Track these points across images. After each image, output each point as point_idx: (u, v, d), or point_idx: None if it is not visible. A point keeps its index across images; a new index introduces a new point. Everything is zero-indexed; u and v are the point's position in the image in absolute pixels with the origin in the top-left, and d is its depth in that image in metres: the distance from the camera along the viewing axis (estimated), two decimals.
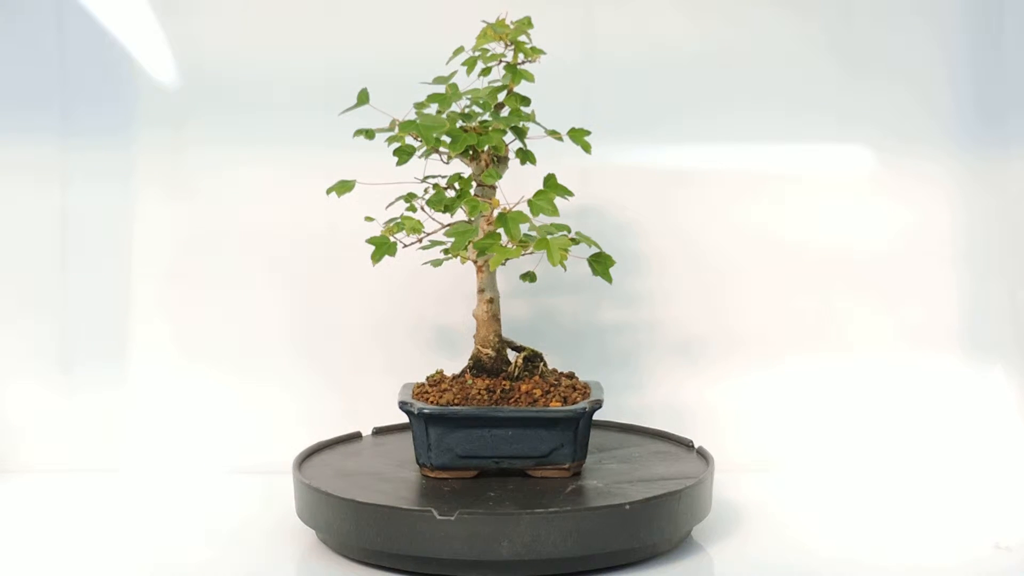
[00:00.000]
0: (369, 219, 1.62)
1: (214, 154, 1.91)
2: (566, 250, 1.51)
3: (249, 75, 1.91)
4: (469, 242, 1.55)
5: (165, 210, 1.91)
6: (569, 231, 1.56)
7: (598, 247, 1.58)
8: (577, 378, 1.66)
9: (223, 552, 1.56)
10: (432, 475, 1.57)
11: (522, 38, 1.60)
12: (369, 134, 1.58)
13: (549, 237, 1.52)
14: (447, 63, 1.62)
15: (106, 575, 1.51)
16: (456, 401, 1.57)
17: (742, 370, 1.92)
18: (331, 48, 1.90)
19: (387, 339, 1.92)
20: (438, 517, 1.42)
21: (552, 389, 1.60)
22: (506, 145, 1.60)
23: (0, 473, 1.86)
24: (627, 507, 1.45)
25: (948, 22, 1.91)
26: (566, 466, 1.57)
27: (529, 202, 1.56)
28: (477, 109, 1.59)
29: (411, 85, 1.61)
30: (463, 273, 1.74)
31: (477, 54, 1.61)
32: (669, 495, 1.48)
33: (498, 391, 1.58)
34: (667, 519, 1.48)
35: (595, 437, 1.66)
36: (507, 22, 1.60)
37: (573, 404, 1.57)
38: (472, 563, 1.43)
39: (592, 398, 1.58)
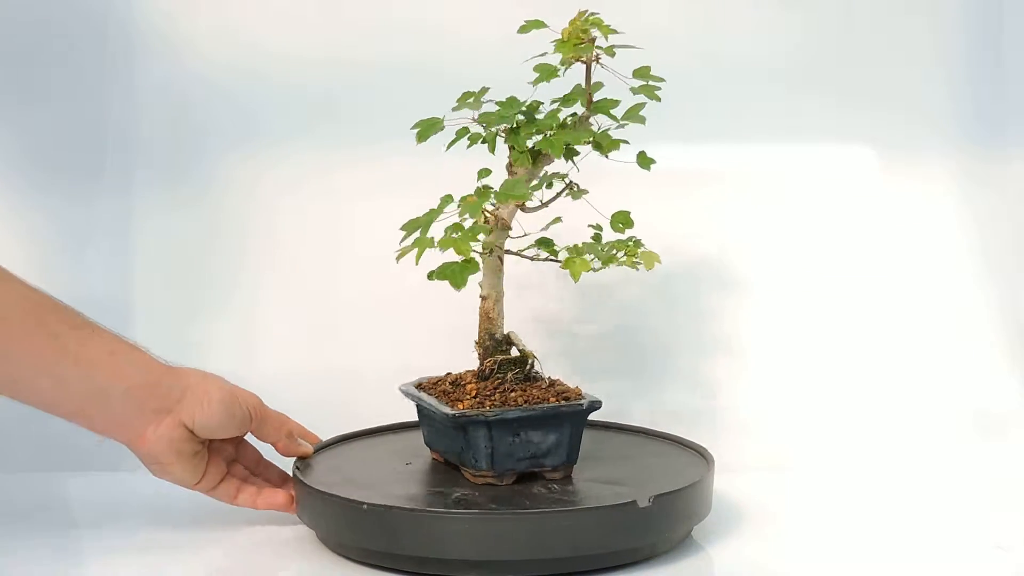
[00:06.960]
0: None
1: (216, 154, 1.91)
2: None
3: (251, 75, 1.91)
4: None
5: (167, 211, 1.91)
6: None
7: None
8: (562, 381, 1.63)
9: (223, 552, 1.56)
10: (490, 481, 1.53)
11: (598, 37, 1.53)
12: (436, 126, 1.50)
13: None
14: (533, 84, 1.52)
15: (104, 575, 1.51)
16: (474, 405, 1.54)
17: (743, 370, 1.92)
18: (337, 46, 1.91)
19: (387, 339, 1.92)
20: (438, 517, 1.42)
21: (548, 390, 1.58)
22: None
23: (0, 473, 1.87)
24: (628, 507, 1.45)
25: (948, 24, 1.91)
26: (566, 466, 1.56)
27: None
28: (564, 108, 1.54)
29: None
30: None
31: (562, 69, 1.52)
32: (669, 495, 1.48)
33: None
34: (667, 519, 1.48)
35: (595, 438, 1.66)
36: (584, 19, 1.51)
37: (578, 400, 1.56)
38: (472, 563, 1.43)
39: (591, 399, 1.57)
